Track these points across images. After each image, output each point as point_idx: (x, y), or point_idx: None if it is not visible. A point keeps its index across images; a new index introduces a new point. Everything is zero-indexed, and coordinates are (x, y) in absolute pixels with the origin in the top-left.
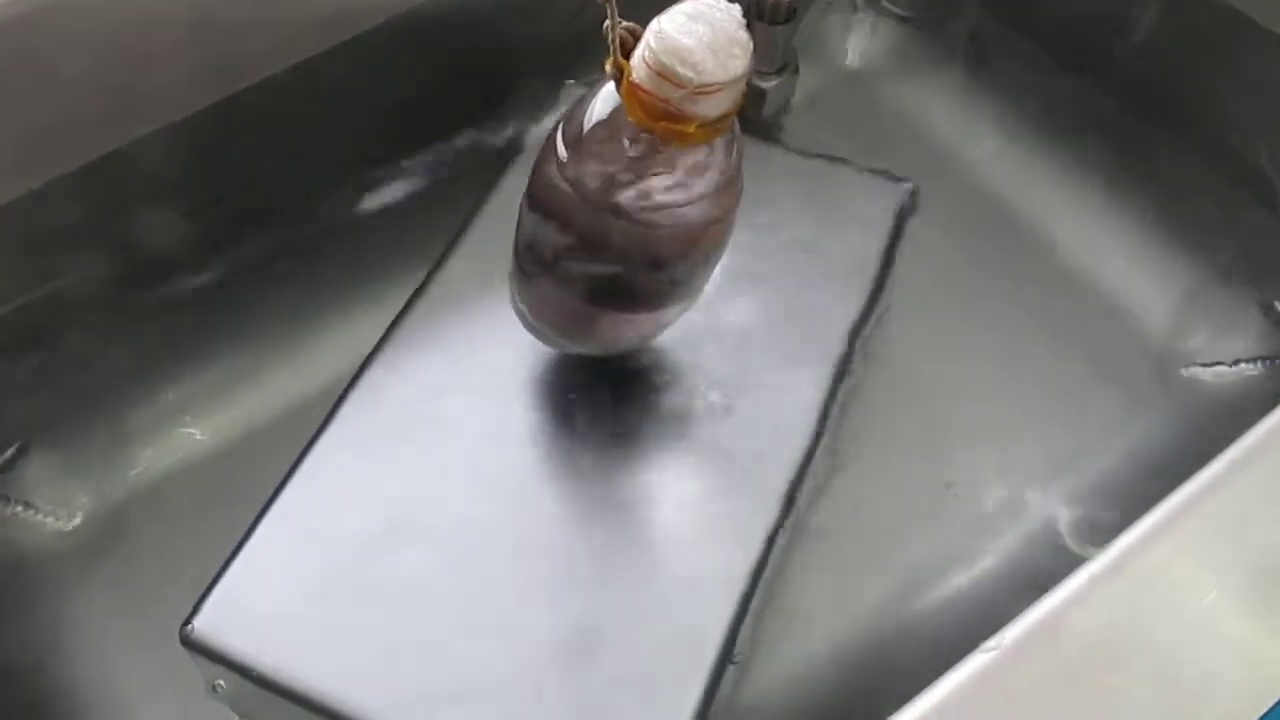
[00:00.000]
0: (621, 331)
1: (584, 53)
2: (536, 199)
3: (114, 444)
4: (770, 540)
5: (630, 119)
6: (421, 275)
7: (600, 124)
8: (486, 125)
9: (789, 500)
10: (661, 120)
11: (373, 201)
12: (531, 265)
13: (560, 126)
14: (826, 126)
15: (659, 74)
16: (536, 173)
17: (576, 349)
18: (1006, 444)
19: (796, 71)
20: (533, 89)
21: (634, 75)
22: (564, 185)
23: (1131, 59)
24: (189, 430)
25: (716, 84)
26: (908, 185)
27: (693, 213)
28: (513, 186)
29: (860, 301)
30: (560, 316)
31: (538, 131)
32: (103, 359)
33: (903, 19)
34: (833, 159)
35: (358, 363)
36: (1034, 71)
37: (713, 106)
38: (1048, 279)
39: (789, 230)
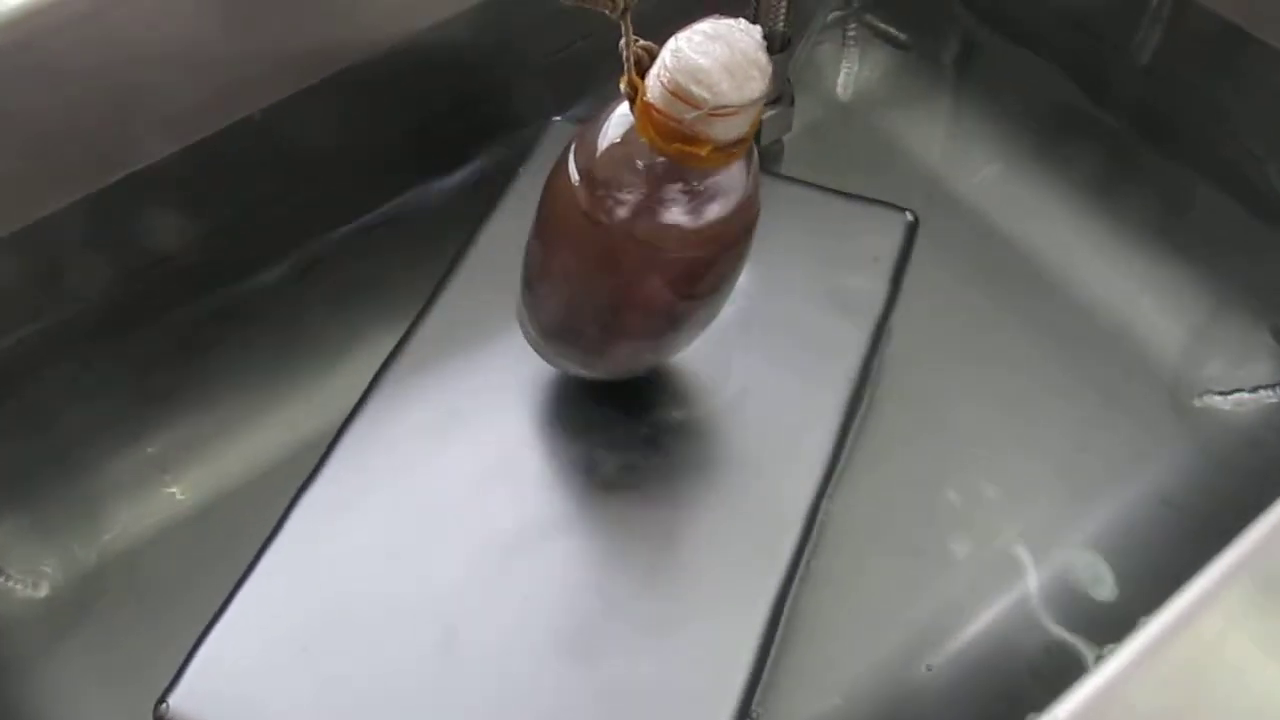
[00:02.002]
0: (635, 356)
1: (570, 89)
2: (547, 224)
3: (86, 505)
4: (786, 587)
5: (643, 140)
6: (408, 320)
7: (614, 146)
8: (471, 164)
9: (804, 541)
10: (675, 142)
11: (356, 245)
12: (543, 291)
13: (572, 148)
14: (823, 157)
15: (674, 94)
16: (547, 196)
17: (589, 373)
18: (1020, 483)
19: (792, 103)
20: (518, 126)
21: (648, 95)
22: (576, 209)
23: (1134, 80)
24: (167, 489)
25: (732, 106)
26: (910, 215)
27: (709, 237)
28: (499, 227)
29: (869, 333)
30: (574, 342)
31: (524, 171)
32: (74, 413)
33: (897, 46)
34: (833, 190)
35: (344, 414)
36: (1032, 95)
37: (728, 129)
38: (1053, 307)
39: (793, 262)
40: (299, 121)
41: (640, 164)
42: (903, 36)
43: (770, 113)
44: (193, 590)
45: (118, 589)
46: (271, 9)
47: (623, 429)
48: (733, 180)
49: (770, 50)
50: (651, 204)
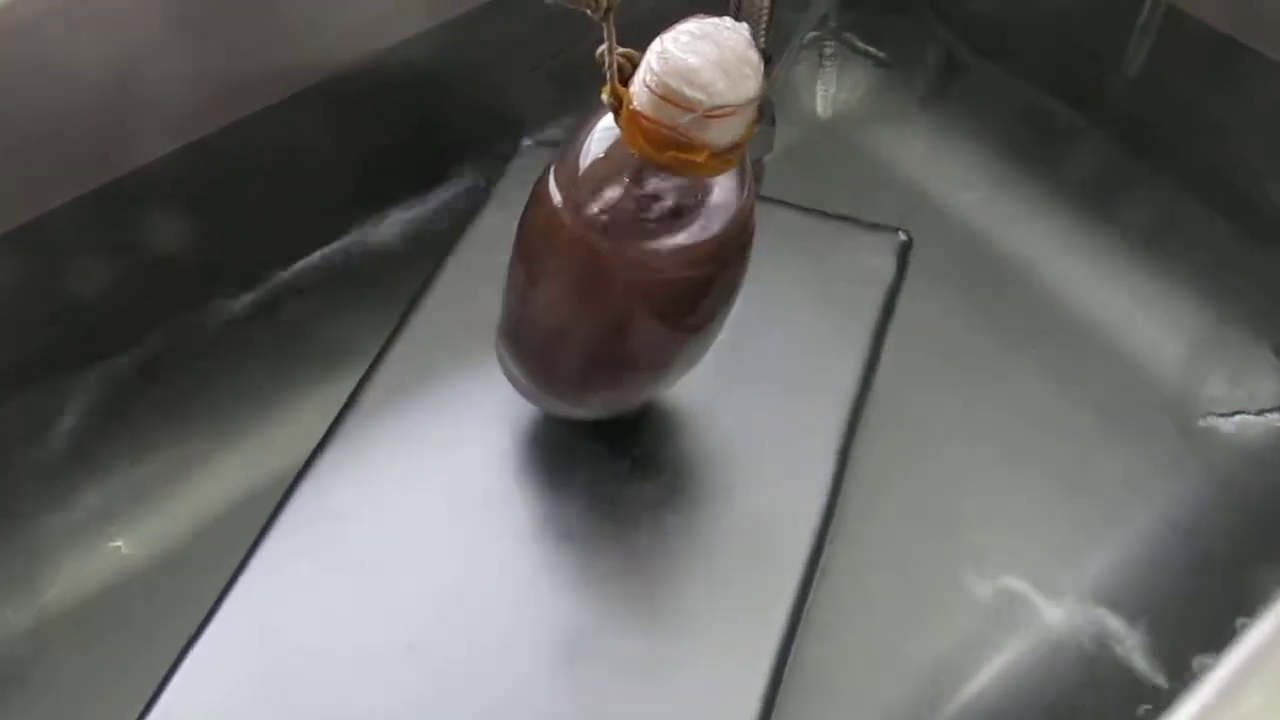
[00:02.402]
0: (625, 391)
1: (541, 110)
2: (529, 249)
3: (22, 561)
4: (790, 632)
5: (633, 151)
6: (369, 357)
7: (598, 161)
8: (436, 190)
9: (806, 583)
10: (669, 150)
11: (314, 277)
12: (525, 323)
13: (553, 168)
14: (804, 178)
15: (664, 98)
16: (528, 220)
17: (576, 413)
18: (1021, 514)
19: (773, 122)
20: (486, 150)
21: (635, 103)
22: (561, 232)
23: (1123, 94)
24: (112, 543)
25: (729, 106)
26: (902, 236)
27: (703, 256)
28: (467, 256)
29: (863, 360)
30: (558, 378)
31: (493, 195)
32: (6, 461)
33: (876, 64)
34: (821, 211)
35: (304, 456)
36: (1017, 112)
37: (724, 132)
38: (1047, 328)
39: (783, 287)
40: (252, 146)
41: (627, 179)
42: (882, 55)
43: None
44: (140, 654)
45: (57, 653)
46: (223, 26)
47: (607, 465)
48: (727, 192)
49: None
50: (642, 222)
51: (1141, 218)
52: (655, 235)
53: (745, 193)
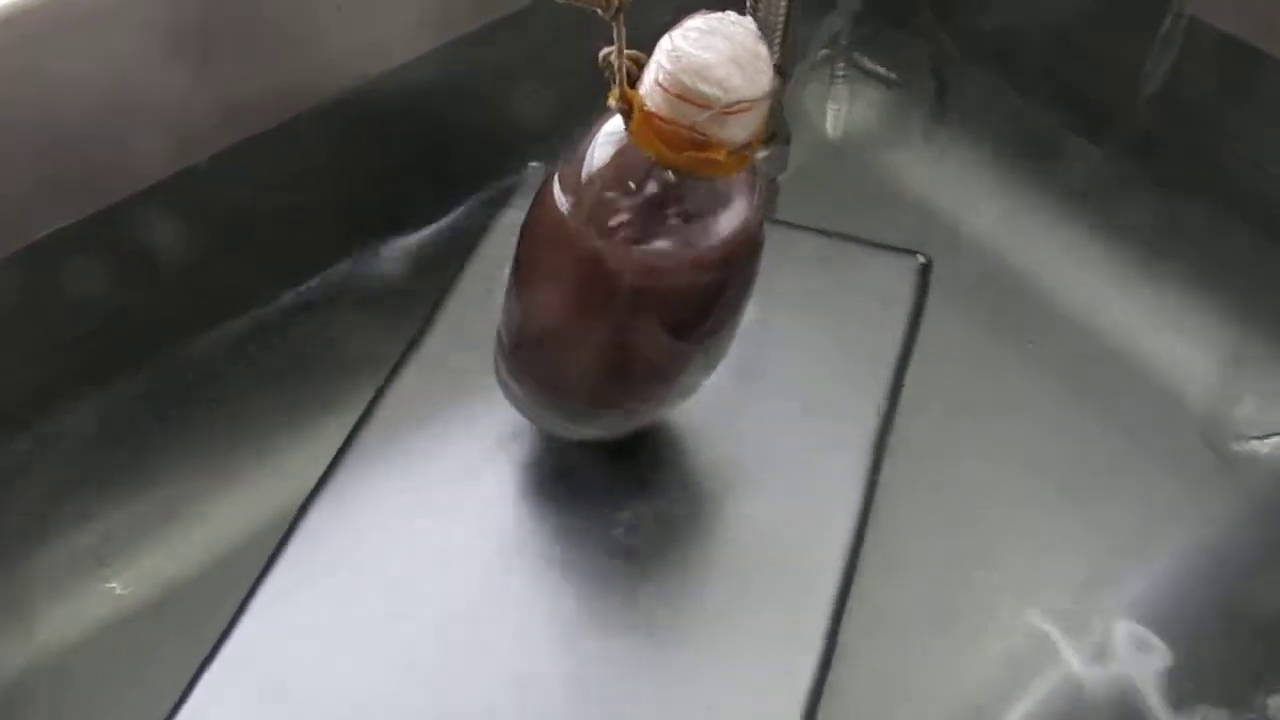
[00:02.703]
0: (632, 407)
1: (548, 133)
2: (532, 257)
3: (12, 603)
4: (821, 673)
5: (648, 155)
6: (372, 389)
7: (604, 168)
8: (440, 218)
9: (835, 625)
10: (687, 150)
11: (314, 306)
12: (527, 337)
13: (556, 176)
14: (816, 200)
15: (679, 97)
16: (531, 228)
17: (582, 433)
18: (1050, 541)
19: (788, 141)
20: (491, 176)
21: (648, 104)
22: (565, 237)
23: (1142, 107)
24: (107, 584)
25: (745, 101)
26: (922, 259)
27: (714, 261)
28: (473, 284)
29: (887, 386)
30: (563, 394)
31: (500, 221)
32: None
33: (887, 84)
34: (838, 234)
35: (304, 493)
36: (1032, 129)
37: (741, 128)
38: (1070, 349)
39: (801, 313)
40: (254, 169)
41: (634, 185)
42: (893, 75)
43: (764, 152)
44: (135, 696)
45: (48, 696)
46: (224, 47)
47: (620, 497)
48: (736, 195)
49: None
50: (651, 227)
51: (1164, 234)
52: (664, 240)
53: (755, 195)
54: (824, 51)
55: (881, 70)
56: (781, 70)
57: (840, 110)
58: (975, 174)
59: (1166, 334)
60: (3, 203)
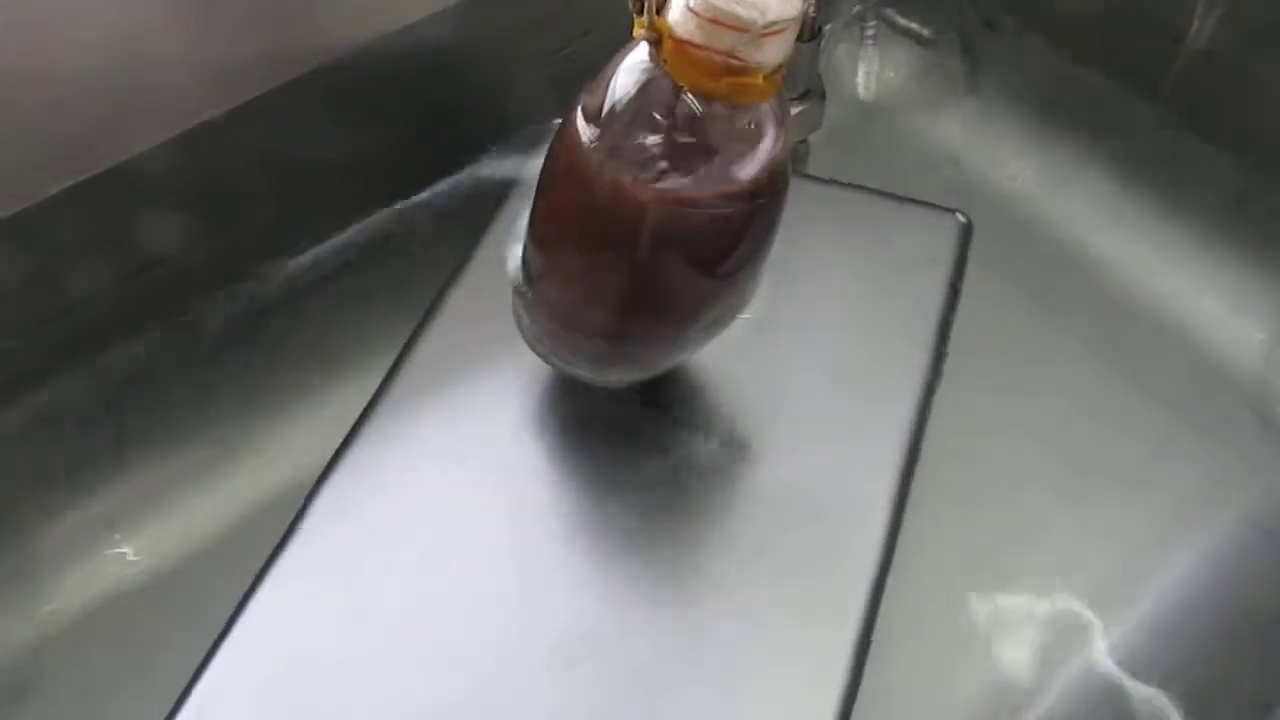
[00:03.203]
0: (653, 348)
1: (570, 91)
2: (554, 191)
3: (23, 570)
4: (860, 656)
5: (680, 84)
6: (393, 353)
7: (628, 99)
8: (460, 175)
9: (875, 601)
10: (724, 76)
11: (331, 269)
12: (546, 281)
13: (580, 105)
14: (847, 160)
15: (714, 21)
16: (551, 165)
17: (607, 377)
18: (1092, 516)
19: (823, 97)
20: (512, 134)
21: (679, 32)
22: (588, 170)
23: (1186, 68)
24: (118, 550)
25: (782, 21)
26: (962, 217)
27: (742, 192)
28: (498, 241)
29: (930, 348)
30: (582, 340)
31: (522, 180)
32: (6, 466)
33: (919, 42)
34: (876, 190)
35: (323, 460)
36: (1069, 89)
37: (776, 50)
38: (1113, 318)
39: (838, 270)
40: (256, 132)
41: (659, 116)
42: (925, 32)
43: (799, 108)
44: (148, 664)
45: (60, 665)
46: (226, 5)
47: (648, 463)
48: (764, 125)
49: (799, 38)
50: (676, 159)
51: (1208, 198)
52: (689, 173)
53: (782, 125)
54: (856, 8)
55: (914, 27)
56: (817, 26)
57: (871, 71)
58: (1011, 134)
59: (1211, 302)
60: (7, 160)
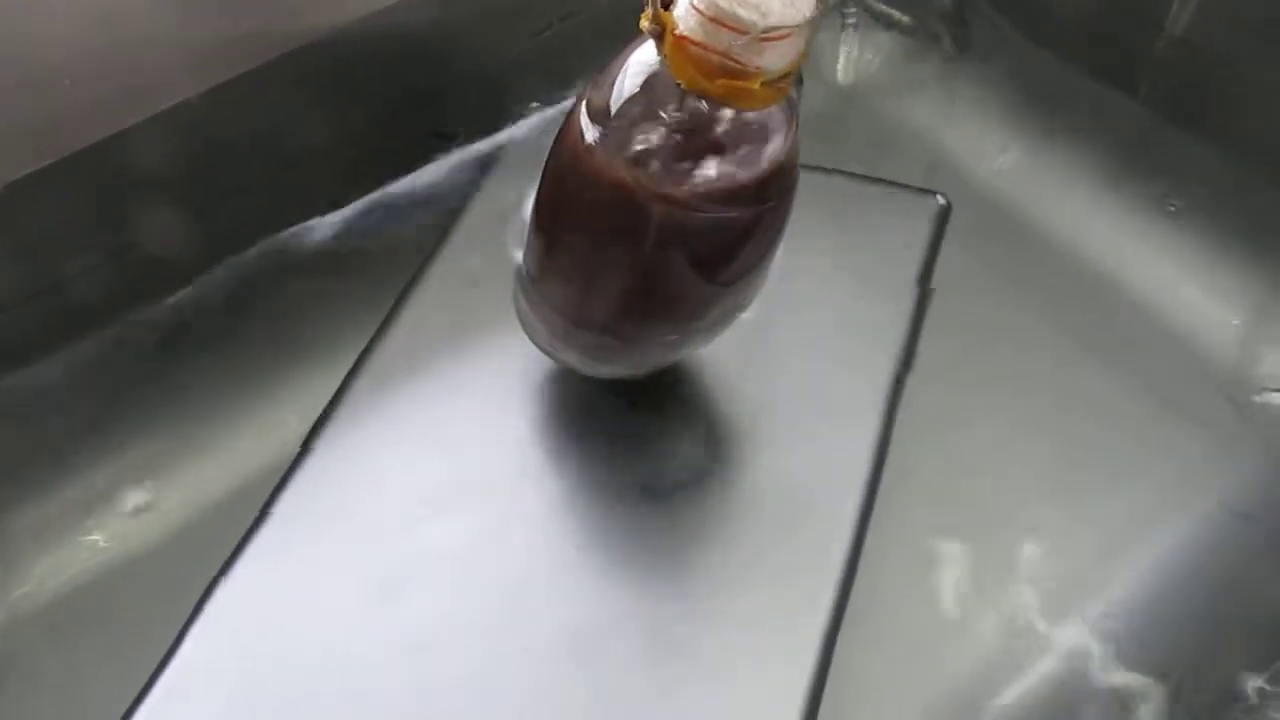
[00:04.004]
0: (657, 347)
1: (552, 75)
2: (556, 187)
3: None
4: (831, 636)
5: (678, 81)
6: (370, 331)
7: (634, 96)
8: (441, 155)
9: (848, 582)
10: (720, 78)
11: (306, 250)
12: (548, 275)
13: (584, 101)
14: (825, 146)
15: (715, 20)
16: (555, 162)
17: (601, 371)
18: (1068, 500)
19: (801, 80)
20: (493, 118)
21: (681, 28)
22: (592, 167)
23: (1165, 54)
24: (91, 536)
25: (785, 28)
26: (941, 199)
27: (747, 195)
28: (476, 224)
29: (905, 331)
30: (583, 335)
31: (500, 160)
32: None
33: (898, 28)
34: (854, 174)
35: (296, 445)
36: (1048, 75)
37: (778, 57)
38: (1089, 302)
39: (816, 253)
40: (241, 108)
41: (666, 113)
42: (904, 18)
43: None
44: (119, 652)
45: (31, 653)
46: None
47: (635, 439)
48: (773, 127)
49: None
50: (682, 158)
51: (1185, 183)
52: (696, 172)
53: (792, 126)
54: None
55: (894, 13)
56: None
57: (850, 56)
58: (990, 121)
59: (1188, 287)
60: None
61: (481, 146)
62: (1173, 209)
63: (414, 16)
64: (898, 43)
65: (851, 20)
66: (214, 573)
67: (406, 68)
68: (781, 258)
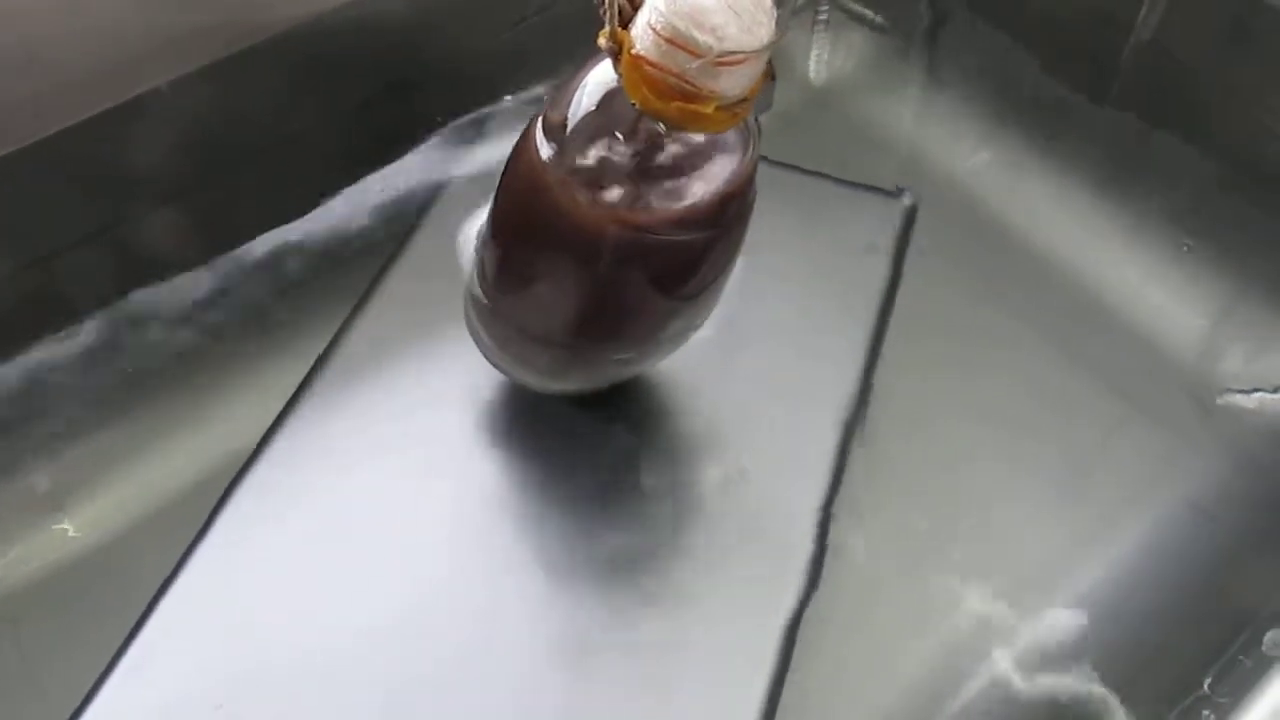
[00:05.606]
0: (609, 365)
1: (524, 69)
2: (510, 205)
3: None
4: (792, 630)
5: (633, 101)
6: (331, 332)
7: (590, 115)
8: (410, 153)
9: (813, 571)
10: (674, 100)
11: (275, 247)
12: (502, 291)
13: (540, 119)
14: (797, 145)
15: (670, 41)
16: (510, 173)
17: (553, 387)
18: (1033, 498)
19: (774, 78)
20: (463, 112)
21: (637, 47)
22: (546, 186)
23: (1135, 57)
24: (59, 525)
25: (741, 53)
26: (907, 200)
27: (702, 219)
28: (439, 224)
29: (869, 330)
30: (537, 351)
31: (465, 161)
32: None
33: (871, 27)
34: (822, 174)
35: (259, 435)
36: (1019, 76)
37: (734, 82)
38: (1055, 302)
39: (783, 253)
40: (202, 103)
41: (622, 133)
42: (877, 18)
43: None
44: (86, 639)
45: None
46: None
47: (588, 449)
48: (729, 151)
49: None
50: (637, 180)
51: (1154, 186)
52: (650, 194)
53: (749, 152)
54: None
55: (868, 13)
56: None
57: (823, 55)
58: (962, 121)
59: (1153, 288)
60: None
61: (449, 144)
62: (1141, 211)
63: (389, 6)
64: (871, 42)
65: (824, 19)
66: (177, 561)
67: (380, 59)
68: (741, 266)
